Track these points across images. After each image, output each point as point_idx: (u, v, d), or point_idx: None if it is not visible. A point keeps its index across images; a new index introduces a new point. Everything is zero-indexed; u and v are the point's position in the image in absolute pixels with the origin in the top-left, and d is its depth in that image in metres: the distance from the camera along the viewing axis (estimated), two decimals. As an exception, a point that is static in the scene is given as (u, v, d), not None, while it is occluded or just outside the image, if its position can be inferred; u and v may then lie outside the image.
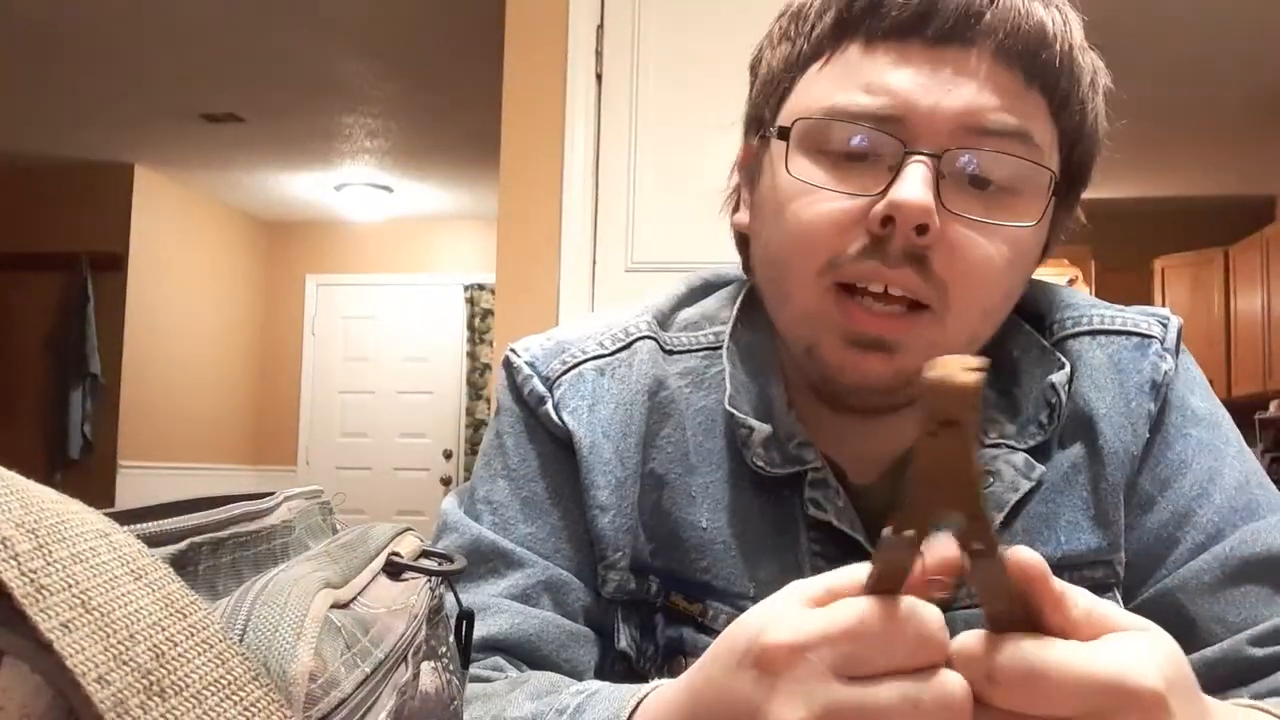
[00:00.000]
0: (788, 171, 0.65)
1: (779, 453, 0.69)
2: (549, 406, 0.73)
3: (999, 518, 0.67)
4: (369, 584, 0.39)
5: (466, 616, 0.51)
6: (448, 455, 7.04)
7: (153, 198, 6.31)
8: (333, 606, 0.35)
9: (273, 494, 0.40)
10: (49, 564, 0.24)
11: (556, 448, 0.73)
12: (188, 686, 0.25)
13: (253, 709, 0.26)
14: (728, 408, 0.70)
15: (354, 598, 0.37)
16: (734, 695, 0.44)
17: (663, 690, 0.51)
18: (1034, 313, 0.74)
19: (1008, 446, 0.68)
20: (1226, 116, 5.03)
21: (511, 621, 0.67)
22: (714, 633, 0.68)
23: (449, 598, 0.49)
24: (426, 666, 0.42)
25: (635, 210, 2.48)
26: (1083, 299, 0.76)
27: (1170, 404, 0.71)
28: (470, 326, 7.04)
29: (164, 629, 0.26)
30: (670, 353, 0.75)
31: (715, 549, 0.69)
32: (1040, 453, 0.69)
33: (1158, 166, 5.83)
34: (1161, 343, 0.73)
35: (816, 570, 0.67)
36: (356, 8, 4.07)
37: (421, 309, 7.25)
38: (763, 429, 0.69)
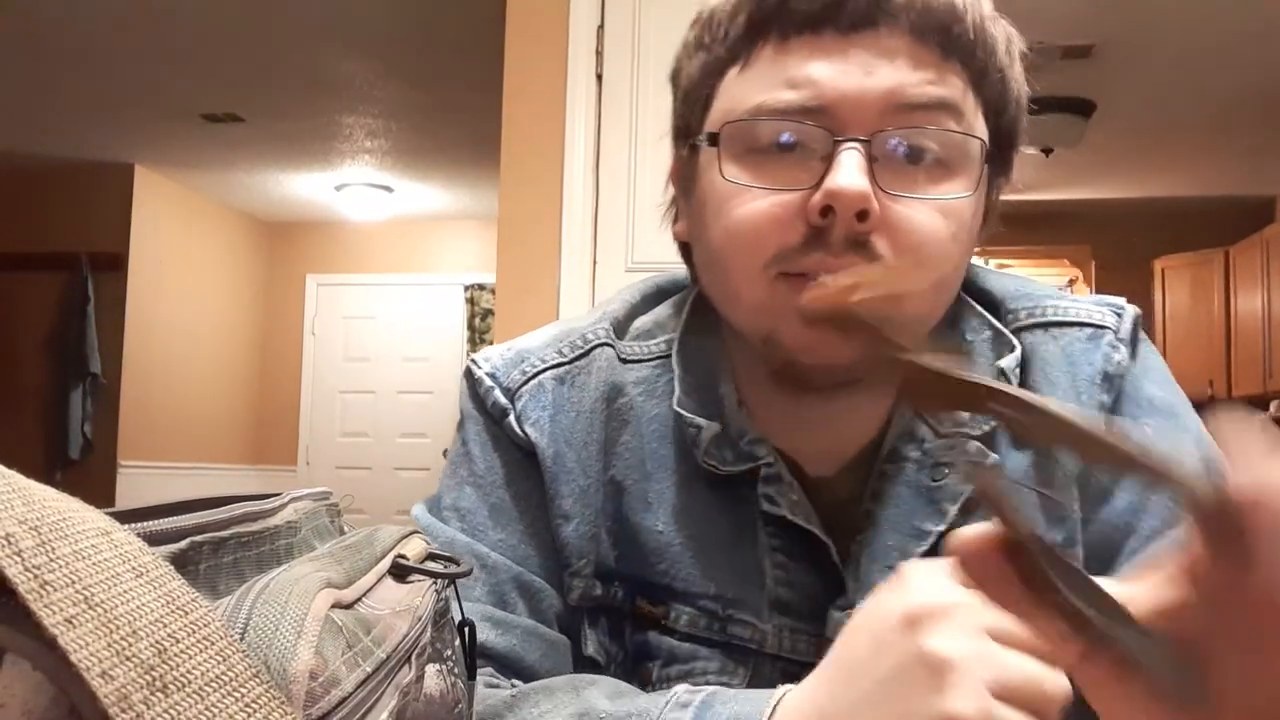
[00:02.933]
0: (721, 176, 0.65)
1: (731, 450, 0.69)
2: (511, 418, 0.74)
3: (953, 509, 0.67)
4: (374, 585, 0.40)
5: (467, 626, 0.51)
6: (447, 455, 7.04)
7: (153, 198, 6.31)
8: (336, 606, 0.35)
9: (278, 495, 0.40)
10: (52, 560, 0.24)
11: (521, 456, 0.74)
12: (190, 683, 0.25)
13: (253, 705, 0.27)
14: (675, 408, 0.70)
15: (359, 599, 0.38)
16: (890, 662, 0.47)
17: (798, 691, 0.53)
18: (990, 301, 0.75)
19: (961, 435, 0.68)
20: (1226, 116, 5.03)
21: (495, 632, 0.68)
22: (677, 634, 0.69)
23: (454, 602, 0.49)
24: (431, 669, 0.42)
25: (635, 210, 2.48)
26: (1038, 289, 0.75)
27: (1125, 395, 0.71)
28: (470, 326, 7.04)
29: (165, 625, 0.26)
30: (625, 361, 0.75)
31: (673, 551, 0.70)
32: (992, 441, 0.69)
33: (1158, 166, 5.83)
34: (1115, 333, 0.72)
35: (776, 567, 0.68)
36: (356, 8, 4.07)
37: (421, 309, 7.25)
38: (711, 427, 0.69)
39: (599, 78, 2.51)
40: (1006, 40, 0.68)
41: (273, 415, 7.34)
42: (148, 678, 0.24)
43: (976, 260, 0.77)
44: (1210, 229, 6.29)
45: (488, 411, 0.75)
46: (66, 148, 5.84)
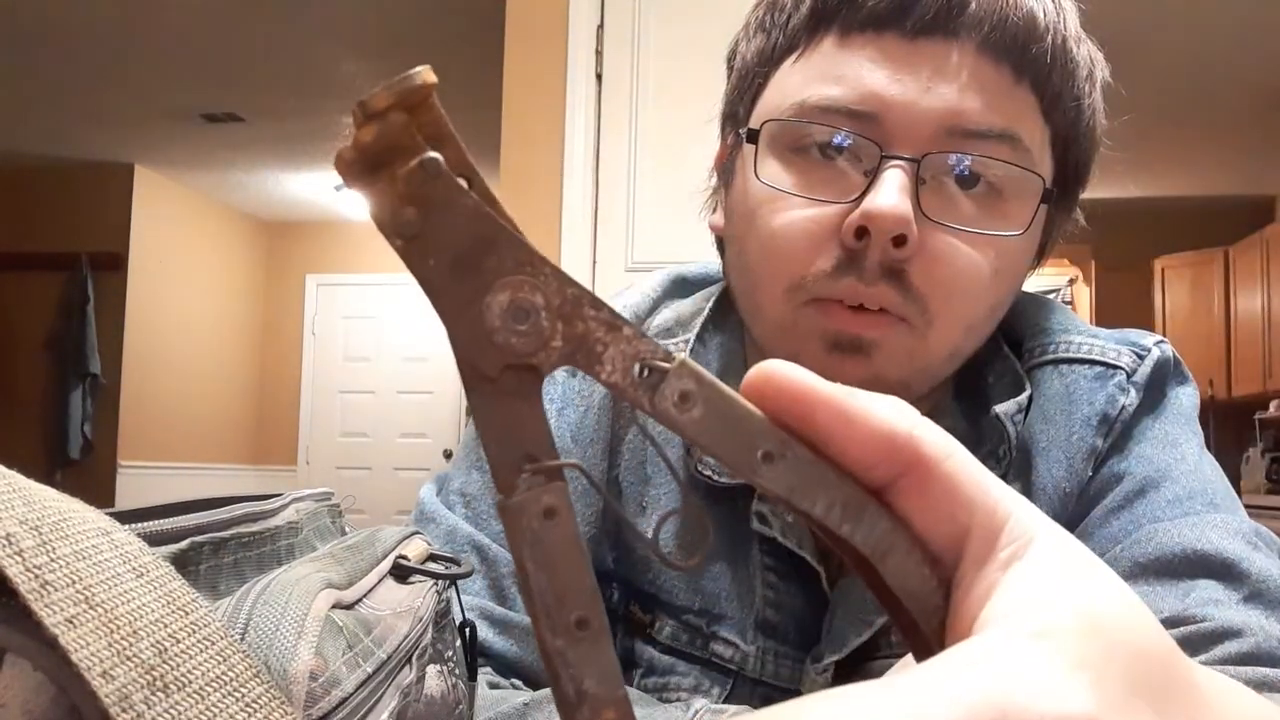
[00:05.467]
0: (757, 176, 0.62)
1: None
2: None
3: None
4: (375, 586, 0.40)
5: (468, 627, 0.51)
6: (448, 455, 7.04)
7: (153, 198, 6.31)
8: (337, 607, 0.35)
9: (279, 495, 0.40)
10: (52, 560, 0.24)
11: None
12: (190, 683, 0.25)
13: (254, 705, 0.27)
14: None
15: (360, 599, 0.38)
16: None
17: None
18: (1015, 337, 0.70)
19: None
20: (1226, 116, 5.03)
21: (494, 631, 0.66)
22: (659, 645, 0.67)
23: (455, 603, 0.49)
24: (432, 670, 0.42)
25: (635, 210, 2.48)
26: (1061, 322, 0.70)
27: (1125, 436, 0.65)
28: (470, 326, 7.05)
29: (166, 626, 0.26)
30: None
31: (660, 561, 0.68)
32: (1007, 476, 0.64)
33: (1158, 166, 5.83)
34: (1129, 375, 0.65)
35: (767, 587, 0.66)
36: (356, 8, 4.07)
37: (422, 309, 7.24)
38: None
39: (599, 78, 2.51)
40: (1089, 65, 0.63)
41: (273, 415, 7.34)
42: (148, 678, 0.24)
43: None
44: (1210, 229, 6.29)
45: None
46: (66, 148, 5.84)
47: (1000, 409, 0.64)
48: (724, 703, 0.65)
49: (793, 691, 0.65)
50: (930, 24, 0.58)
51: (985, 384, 0.68)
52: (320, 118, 5.35)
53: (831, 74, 0.60)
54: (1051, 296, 0.75)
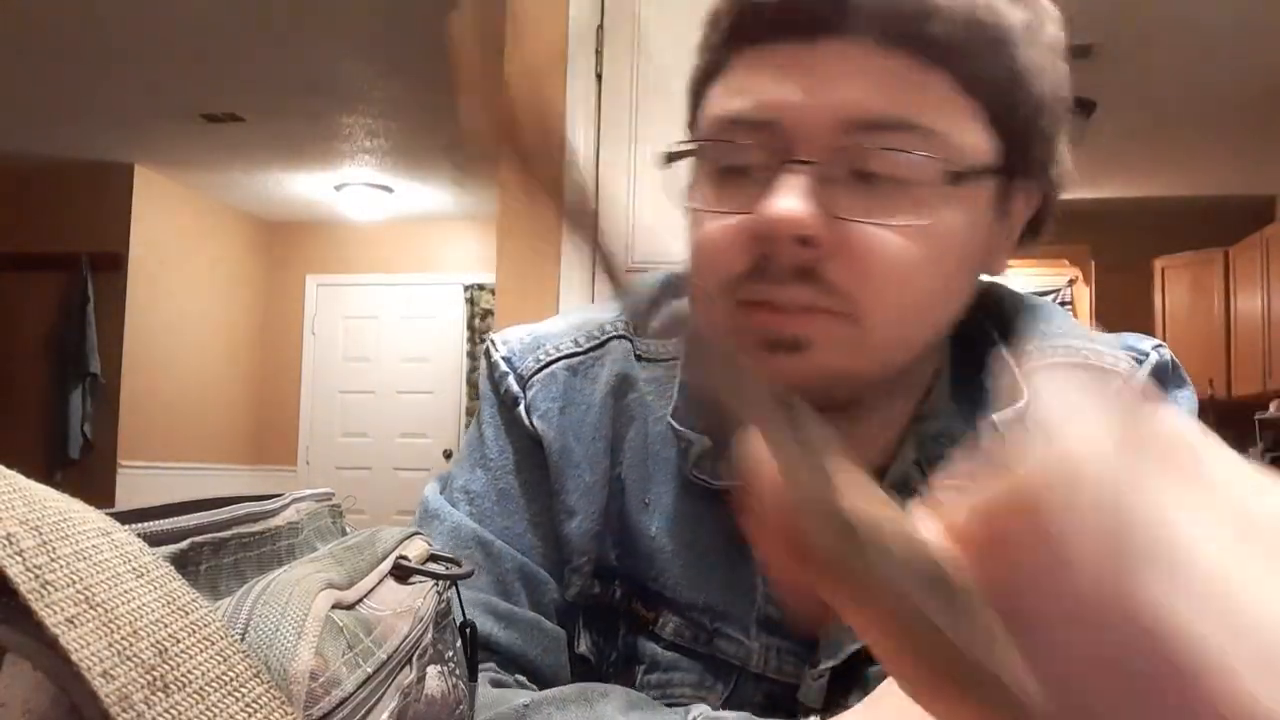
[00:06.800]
0: (686, 193, 0.63)
1: (726, 465, 0.67)
2: (521, 408, 0.72)
3: None
4: (376, 586, 0.40)
5: (469, 627, 0.51)
6: (448, 455, 7.04)
7: (153, 198, 6.31)
8: (337, 607, 0.35)
9: (280, 495, 0.40)
10: (53, 560, 0.24)
11: (531, 444, 0.72)
12: (190, 682, 0.25)
13: (254, 705, 0.27)
14: (669, 420, 0.69)
15: (360, 599, 0.38)
16: None
17: None
18: (1009, 330, 0.70)
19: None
20: (1226, 116, 5.03)
21: (499, 625, 0.66)
22: (663, 642, 0.67)
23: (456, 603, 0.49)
24: (432, 670, 0.42)
25: (635, 210, 2.48)
26: (1061, 329, 0.69)
27: None
28: (470, 326, 7.05)
29: (166, 625, 0.26)
30: (641, 358, 0.73)
31: (664, 557, 0.68)
32: None
33: (1158, 166, 5.83)
34: (1125, 381, 0.65)
35: (769, 582, 0.65)
36: (356, 8, 4.07)
37: (421, 309, 7.25)
38: (702, 442, 0.67)
39: (599, 78, 2.51)
40: (1025, 26, 0.60)
41: (273, 415, 7.34)
42: (148, 677, 0.24)
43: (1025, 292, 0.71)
44: (1210, 229, 6.28)
45: (501, 397, 0.73)
46: (66, 148, 5.84)
47: (998, 418, 0.64)
48: (728, 699, 0.66)
49: (795, 687, 0.65)
50: (823, 26, 0.58)
51: (984, 390, 0.68)
52: (320, 118, 5.35)
53: (737, 88, 0.61)
54: (1050, 297, 0.75)
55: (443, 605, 0.46)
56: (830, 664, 0.64)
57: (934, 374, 0.68)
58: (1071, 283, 6.97)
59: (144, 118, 5.39)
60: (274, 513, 0.38)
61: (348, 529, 0.46)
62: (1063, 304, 7.32)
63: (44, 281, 6.09)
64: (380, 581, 0.40)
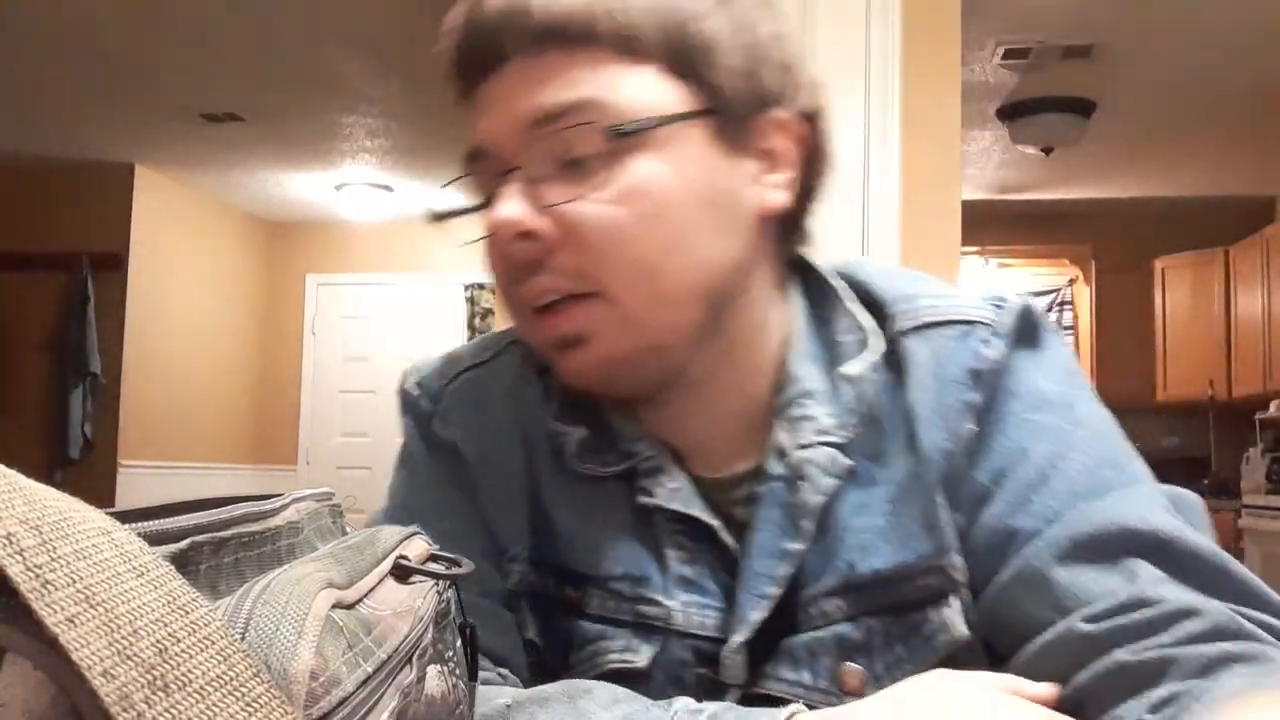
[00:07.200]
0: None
1: (612, 452, 0.71)
2: (436, 422, 0.77)
3: (810, 525, 0.66)
4: (376, 586, 0.40)
5: (469, 627, 0.51)
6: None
7: (153, 198, 6.31)
8: (337, 607, 0.35)
9: (280, 495, 0.40)
10: (53, 560, 0.24)
11: (451, 453, 0.76)
12: (191, 682, 0.25)
13: (254, 705, 0.27)
14: (549, 418, 0.73)
15: (360, 599, 0.38)
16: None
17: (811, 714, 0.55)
18: (876, 302, 0.72)
19: (820, 444, 0.67)
20: (1226, 116, 5.03)
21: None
22: (592, 618, 0.70)
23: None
24: (433, 670, 0.42)
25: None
26: (922, 289, 0.71)
27: (1007, 391, 0.66)
28: (470, 326, 7.05)
29: (166, 625, 0.26)
30: (530, 362, 0.76)
31: (580, 539, 0.71)
32: (846, 449, 0.67)
33: (1158, 166, 5.83)
34: (991, 328, 0.67)
35: (679, 549, 0.69)
36: (356, 8, 4.08)
37: (421, 309, 7.25)
38: (577, 433, 0.72)
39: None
40: None
41: (273, 415, 7.34)
42: (149, 677, 0.24)
43: (890, 263, 0.75)
44: (1210, 229, 6.29)
45: (417, 417, 0.79)
46: (66, 148, 5.84)
47: (845, 369, 0.69)
48: (657, 658, 0.68)
49: (721, 641, 0.67)
50: (496, 58, 0.65)
51: (836, 345, 0.71)
52: (320, 118, 5.35)
53: (471, 131, 0.68)
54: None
55: (443, 605, 0.46)
56: (740, 638, 0.66)
57: (779, 343, 0.71)
58: (1072, 283, 6.98)
59: (144, 118, 5.39)
60: (274, 512, 0.38)
61: (348, 529, 0.46)
62: (1063, 304, 7.33)
63: (44, 281, 6.09)
64: (380, 581, 0.40)
